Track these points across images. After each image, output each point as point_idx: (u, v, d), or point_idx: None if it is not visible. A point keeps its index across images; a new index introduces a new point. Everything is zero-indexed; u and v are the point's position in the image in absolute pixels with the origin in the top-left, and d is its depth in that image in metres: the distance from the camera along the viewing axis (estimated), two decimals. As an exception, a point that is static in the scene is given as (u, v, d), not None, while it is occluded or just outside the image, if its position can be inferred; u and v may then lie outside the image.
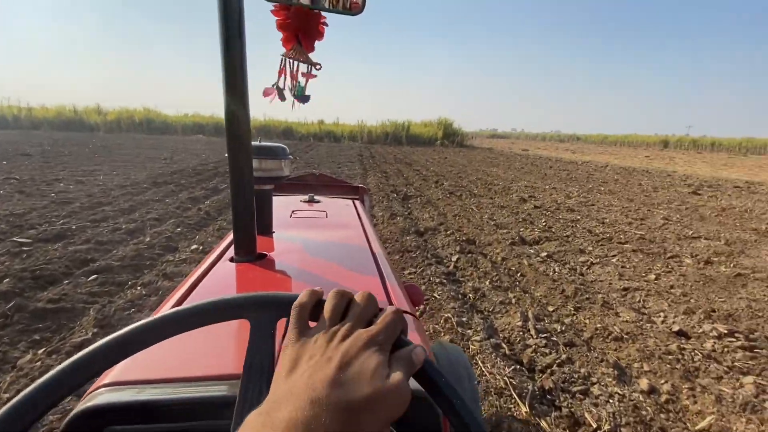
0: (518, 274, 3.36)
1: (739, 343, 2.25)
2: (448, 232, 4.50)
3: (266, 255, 0.99)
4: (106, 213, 4.64)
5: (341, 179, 2.36)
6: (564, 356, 2.08)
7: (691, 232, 5.10)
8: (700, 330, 2.45)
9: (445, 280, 3.04)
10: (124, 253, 3.31)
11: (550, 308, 2.74)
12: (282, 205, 1.55)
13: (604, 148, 39.35)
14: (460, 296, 2.79)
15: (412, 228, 4.63)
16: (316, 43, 1.14)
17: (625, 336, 2.32)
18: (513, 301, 2.76)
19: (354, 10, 1.01)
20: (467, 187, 8.34)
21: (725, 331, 2.37)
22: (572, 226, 5.17)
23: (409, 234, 4.37)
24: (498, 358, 1.99)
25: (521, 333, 2.30)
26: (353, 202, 1.76)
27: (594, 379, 1.90)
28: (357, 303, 0.37)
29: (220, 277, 0.88)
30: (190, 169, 9.07)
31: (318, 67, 1.11)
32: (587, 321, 2.53)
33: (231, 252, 0.98)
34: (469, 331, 2.29)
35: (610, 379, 1.90)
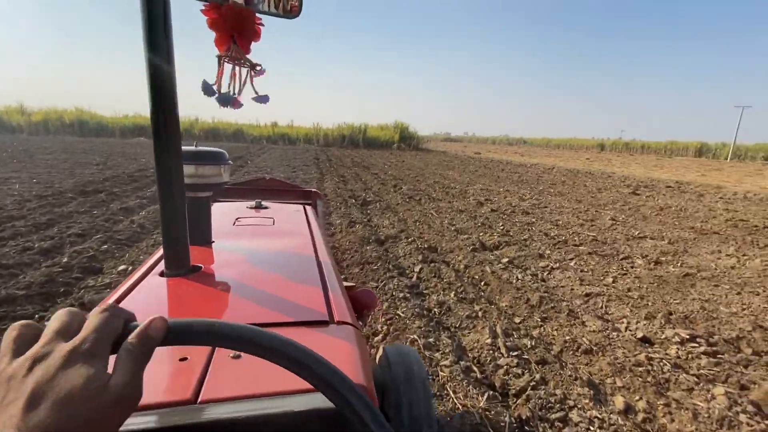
0: (482, 283, 3.25)
1: (702, 349, 2.26)
2: (410, 240, 4.34)
3: (201, 268, 0.92)
4: (17, 229, 3.97)
5: (293, 183, 2.23)
6: (537, 376, 1.95)
7: (637, 232, 5.33)
8: (663, 336, 2.44)
9: (408, 294, 2.84)
10: (33, 279, 2.79)
11: (517, 320, 2.63)
12: (226, 212, 1.48)
13: (548, 151, 41.80)
14: (425, 312, 2.61)
15: (372, 236, 4.42)
16: (254, 45, 1.06)
17: (594, 348, 2.25)
18: (479, 314, 2.62)
19: (293, 12, 0.97)
20: (426, 191, 8.28)
21: (687, 337, 2.38)
22: (529, 229, 5.22)
23: (370, 243, 4.15)
24: (470, 386, 1.82)
25: (491, 351, 2.16)
26: (304, 208, 1.68)
27: (571, 402, 1.78)
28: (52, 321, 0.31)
29: (147, 294, 0.81)
30: (126, 175, 8.24)
31: (259, 68, 1.06)
32: (555, 333, 2.44)
33: (162, 265, 0.90)
34: (437, 353, 2.10)
35: (587, 401, 1.79)
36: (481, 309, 2.70)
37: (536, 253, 4.14)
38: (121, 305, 0.74)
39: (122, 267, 3.13)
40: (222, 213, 1.45)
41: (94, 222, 4.37)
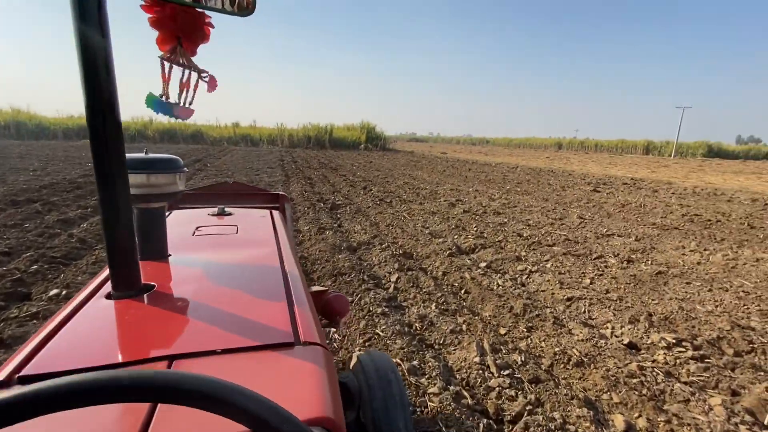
0: (462, 291, 3.10)
1: (689, 354, 2.21)
2: (383, 246, 4.13)
3: (154, 286, 0.84)
4: (-75, 248, 3.39)
5: (259, 187, 2.13)
6: (532, 397, 1.80)
7: (604, 230, 5.42)
8: (649, 341, 2.38)
9: (386, 309, 2.63)
10: (-60, 311, 2.33)
11: (503, 331, 2.50)
12: (186, 220, 1.39)
13: (510, 150, 43.19)
14: (406, 329, 2.41)
15: (344, 243, 4.17)
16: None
17: (585, 359, 2.14)
18: (464, 327, 2.45)
19: (248, 8, 0.88)
20: (396, 192, 8.11)
21: (673, 341, 2.33)
22: (502, 230, 5.17)
23: (341, 251, 3.90)
24: (463, 416, 1.64)
25: (480, 371, 1.99)
26: (270, 213, 1.59)
27: (571, 427, 1.64)
28: None
29: (90, 321, 0.73)
30: (67, 181, 7.47)
31: (205, 76, 0.99)
32: (543, 344, 2.32)
33: (109, 286, 0.82)
34: (423, 379, 1.90)
35: (587, 423, 1.66)
36: (464, 321, 2.53)
37: (513, 255, 4.06)
38: (58, 336, 0.66)
39: (54, 291, 2.70)
40: (181, 222, 1.36)
41: (25, 237, 3.83)
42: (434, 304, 2.77)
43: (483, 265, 3.71)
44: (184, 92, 0.99)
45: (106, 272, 0.92)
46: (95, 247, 3.75)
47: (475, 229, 5.19)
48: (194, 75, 0.99)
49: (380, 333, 2.32)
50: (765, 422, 1.75)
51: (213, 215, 1.46)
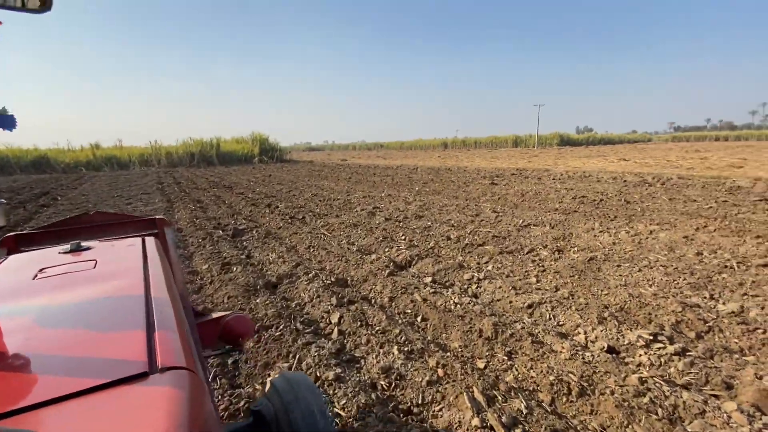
0: (419, 319, 2.64)
1: (670, 349, 2.09)
2: (310, 275, 3.45)
3: None
4: None
5: (128, 214, 1.86)
6: (560, 462, 1.40)
7: (520, 221, 5.56)
8: (626, 341, 2.23)
9: (338, 369, 2.01)
10: None
11: (481, 365, 2.09)
12: (26, 264, 1.14)
13: (404, 153, 45.33)
14: (372, 396, 1.82)
15: (260, 280, 3.37)
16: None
17: (585, 384, 1.84)
18: (440, 373, 1.97)
19: (42, 7, 0.81)
20: (306, 206, 7.37)
21: (649, 338, 2.20)
22: (430, 235, 4.90)
23: (258, 292, 3.11)
24: None
25: (486, 438, 1.52)
26: (143, 240, 1.35)
27: (625, 499, 1.28)
28: None
29: None
30: None
31: None
32: (532, 373, 1.97)
33: None
34: (425, 479, 1.36)
35: (637, 485, 1.31)
36: (437, 363, 2.05)
37: (453, 263, 3.76)
38: None
39: None
40: (18, 266, 1.13)
41: None
42: (395, 346, 2.23)
43: (428, 280, 3.31)
44: None
45: None
46: None
47: (404, 237, 4.82)
48: None
49: (342, 413, 1.69)
50: (770, 415, 1.64)
51: (65, 252, 1.24)
